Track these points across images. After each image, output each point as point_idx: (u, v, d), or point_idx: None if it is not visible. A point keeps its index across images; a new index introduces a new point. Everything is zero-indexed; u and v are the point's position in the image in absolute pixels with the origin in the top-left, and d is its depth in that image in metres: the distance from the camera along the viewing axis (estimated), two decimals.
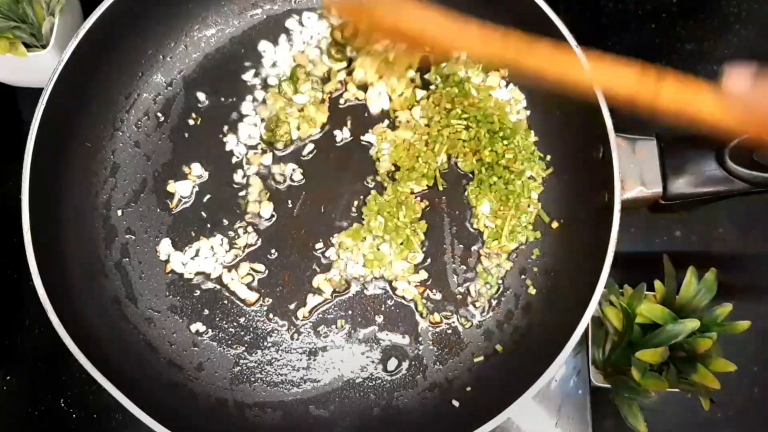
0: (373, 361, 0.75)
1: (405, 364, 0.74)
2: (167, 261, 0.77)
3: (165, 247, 0.78)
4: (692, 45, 0.92)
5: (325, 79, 0.83)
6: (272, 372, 0.74)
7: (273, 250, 0.78)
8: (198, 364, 0.74)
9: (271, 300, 0.76)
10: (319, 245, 0.78)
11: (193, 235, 0.78)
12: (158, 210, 0.79)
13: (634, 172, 0.67)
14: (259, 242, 0.78)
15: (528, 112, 0.81)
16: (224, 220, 0.79)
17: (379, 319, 0.76)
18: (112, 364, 0.65)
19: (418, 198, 0.78)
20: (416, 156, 0.78)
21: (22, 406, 0.80)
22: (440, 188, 0.78)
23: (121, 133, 0.80)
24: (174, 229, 0.78)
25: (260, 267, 0.77)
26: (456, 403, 0.71)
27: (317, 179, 0.80)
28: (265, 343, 0.75)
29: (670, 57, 0.91)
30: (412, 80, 0.82)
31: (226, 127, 0.82)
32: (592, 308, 0.63)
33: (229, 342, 0.75)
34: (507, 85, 0.81)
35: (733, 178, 0.64)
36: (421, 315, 0.75)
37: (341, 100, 0.82)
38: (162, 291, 0.76)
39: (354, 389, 0.74)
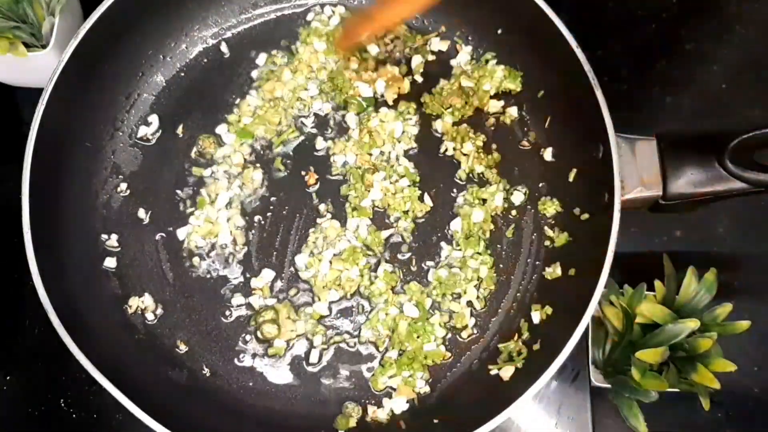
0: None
1: None
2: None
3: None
4: (692, 45, 0.92)
5: None
6: (272, 372, 0.74)
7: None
8: (198, 364, 0.74)
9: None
10: None
11: None
12: None
13: (634, 172, 0.67)
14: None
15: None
16: None
17: None
18: (112, 364, 0.64)
19: None
20: None
21: (22, 406, 0.80)
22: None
23: (121, 133, 0.80)
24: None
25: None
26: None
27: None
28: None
29: (670, 57, 0.91)
30: None
31: None
32: (592, 308, 0.63)
33: (230, 341, 0.75)
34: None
35: (733, 178, 0.64)
36: None
37: None
38: None
39: (354, 389, 0.74)
